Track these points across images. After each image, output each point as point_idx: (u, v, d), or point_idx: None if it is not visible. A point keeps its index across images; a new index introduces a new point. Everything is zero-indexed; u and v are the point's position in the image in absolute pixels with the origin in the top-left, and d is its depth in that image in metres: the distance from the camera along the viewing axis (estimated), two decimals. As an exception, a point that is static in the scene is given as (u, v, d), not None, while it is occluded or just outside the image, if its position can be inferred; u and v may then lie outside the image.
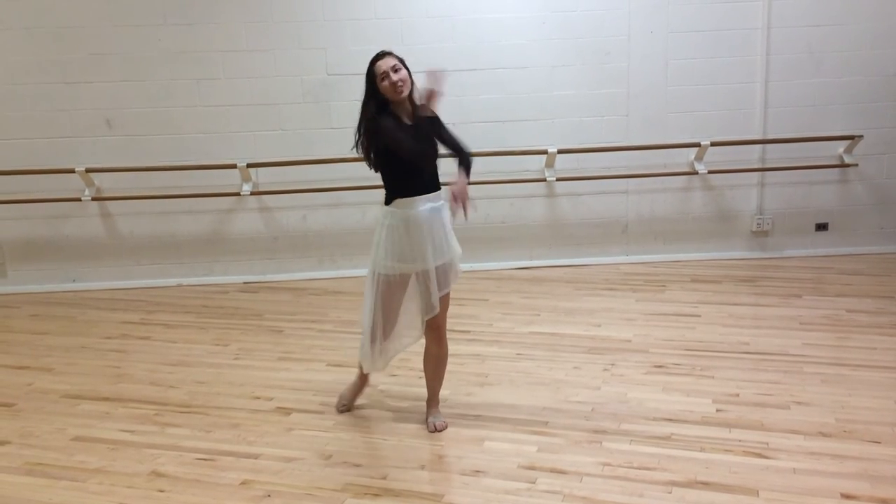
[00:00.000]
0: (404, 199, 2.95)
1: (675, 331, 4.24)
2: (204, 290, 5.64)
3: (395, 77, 2.86)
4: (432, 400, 3.22)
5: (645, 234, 5.86)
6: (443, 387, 3.28)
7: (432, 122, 2.97)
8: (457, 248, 3.11)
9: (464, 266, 5.70)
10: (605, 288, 5.22)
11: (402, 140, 2.85)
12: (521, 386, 3.56)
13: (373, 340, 3.07)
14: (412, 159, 2.89)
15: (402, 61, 2.92)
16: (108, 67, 5.47)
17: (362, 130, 2.94)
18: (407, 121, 2.94)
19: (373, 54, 6.01)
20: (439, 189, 3.02)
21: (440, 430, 3.12)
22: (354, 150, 2.99)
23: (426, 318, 3.05)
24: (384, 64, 2.88)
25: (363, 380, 3.39)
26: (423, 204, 2.95)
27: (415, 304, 3.11)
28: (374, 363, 3.16)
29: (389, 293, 3.02)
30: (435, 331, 3.09)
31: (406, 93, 2.91)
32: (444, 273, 3.05)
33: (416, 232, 2.95)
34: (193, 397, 3.59)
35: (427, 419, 3.19)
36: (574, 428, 3.08)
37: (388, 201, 2.99)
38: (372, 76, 2.91)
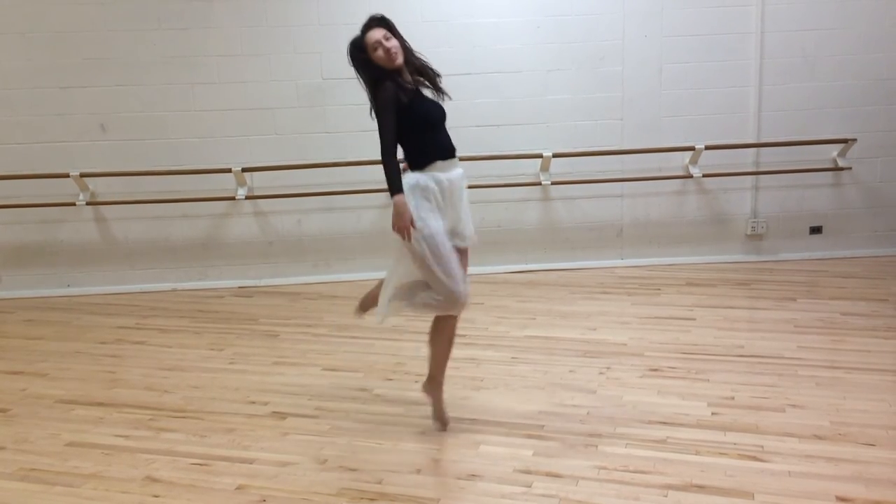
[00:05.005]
0: (443, 162, 2.94)
1: (670, 334, 4.24)
2: (199, 294, 5.63)
3: (388, 44, 2.88)
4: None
5: (640, 237, 5.87)
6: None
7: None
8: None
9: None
10: (601, 291, 5.22)
11: (385, 131, 2.85)
12: (516, 390, 3.56)
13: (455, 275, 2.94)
14: (420, 119, 2.90)
15: (391, 29, 2.93)
16: (102, 72, 5.47)
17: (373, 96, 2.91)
18: (409, 85, 2.97)
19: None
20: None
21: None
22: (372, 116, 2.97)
23: None
24: (374, 34, 2.89)
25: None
26: (457, 167, 3.00)
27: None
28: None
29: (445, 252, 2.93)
30: None
31: (401, 59, 2.92)
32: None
33: (453, 191, 2.96)
34: (188, 402, 3.58)
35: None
36: (569, 432, 3.08)
37: (421, 166, 2.92)
38: (362, 48, 2.91)
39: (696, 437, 3.00)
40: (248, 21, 5.46)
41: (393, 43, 2.90)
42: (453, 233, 2.99)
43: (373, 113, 2.91)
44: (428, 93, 3.06)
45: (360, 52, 2.93)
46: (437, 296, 2.94)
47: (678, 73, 5.60)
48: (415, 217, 2.84)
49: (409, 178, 2.92)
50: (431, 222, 2.88)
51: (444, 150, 2.97)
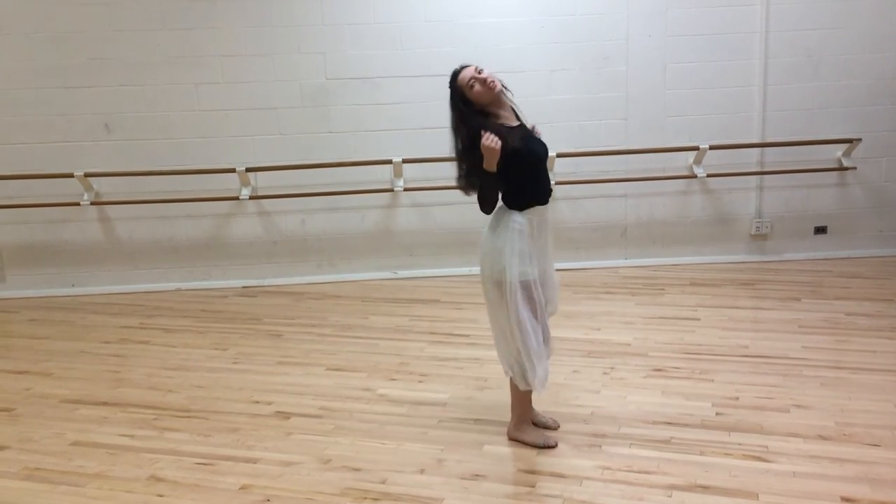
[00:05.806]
0: (541, 207, 2.81)
1: (674, 334, 4.23)
2: (203, 294, 5.64)
3: (482, 76, 2.73)
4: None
5: (644, 237, 5.86)
6: (442, 391, 3.28)
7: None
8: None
9: (464, 270, 5.76)
10: (605, 291, 5.22)
11: (486, 184, 2.70)
12: (520, 390, 3.55)
13: (538, 355, 2.82)
14: (529, 159, 2.74)
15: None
16: (106, 72, 5.48)
17: (468, 148, 2.71)
18: (514, 122, 2.82)
19: (372, 58, 5.95)
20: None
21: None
22: (461, 180, 2.78)
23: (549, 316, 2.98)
24: (467, 73, 2.74)
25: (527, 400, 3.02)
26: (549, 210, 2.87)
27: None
28: (544, 378, 2.87)
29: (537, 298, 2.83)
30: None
31: (500, 87, 2.76)
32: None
33: (544, 235, 2.86)
34: (192, 402, 3.59)
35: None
36: (574, 432, 3.08)
37: (520, 207, 2.79)
38: (459, 91, 2.75)
39: (701, 437, 2.99)
40: (252, 21, 5.46)
41: (487, 73, 2.74)
42: (541, 282, 2.86)
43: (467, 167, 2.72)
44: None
45: (459, 96, 2.75)
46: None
47: (682, 73, 5.59)
48: (515, 262, 2.72)
49: (508, 220, 2.77)
50: (528, 268, 2.76)
51: (543, 193, 2.81)
